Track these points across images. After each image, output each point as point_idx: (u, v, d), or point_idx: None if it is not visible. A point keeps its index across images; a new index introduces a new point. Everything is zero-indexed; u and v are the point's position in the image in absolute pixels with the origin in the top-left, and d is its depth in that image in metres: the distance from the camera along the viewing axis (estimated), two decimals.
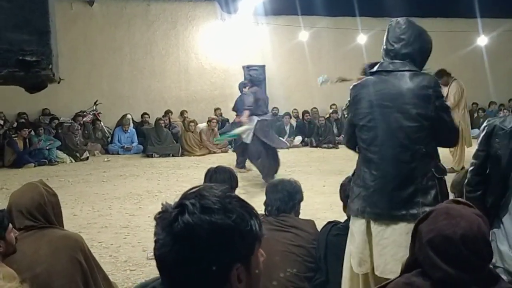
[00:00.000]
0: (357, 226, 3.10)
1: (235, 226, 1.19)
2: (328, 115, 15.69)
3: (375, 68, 3.13)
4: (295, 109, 16.00)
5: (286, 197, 3.67)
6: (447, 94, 9.53)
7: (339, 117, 15.60)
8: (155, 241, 1.27)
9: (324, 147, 14.22)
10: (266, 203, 3.71)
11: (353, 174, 3.18)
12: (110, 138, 13.92)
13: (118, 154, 13.34)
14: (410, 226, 2.80)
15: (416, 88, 2.99)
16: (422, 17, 16.48)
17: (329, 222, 3.53)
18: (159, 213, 1.28)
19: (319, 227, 3.65)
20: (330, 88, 16.48)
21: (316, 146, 14.48)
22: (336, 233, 3.36)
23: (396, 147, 2.99)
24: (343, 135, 2.77)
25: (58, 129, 12.98)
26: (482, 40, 17.18)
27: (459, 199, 2.00)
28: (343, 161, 11.65)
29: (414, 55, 3.11)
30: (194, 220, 1.19)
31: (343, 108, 9.32)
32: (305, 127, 15.20)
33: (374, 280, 3.07)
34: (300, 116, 15.70)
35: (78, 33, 14.36)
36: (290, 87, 16.24)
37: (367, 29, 16.26)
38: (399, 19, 3.21)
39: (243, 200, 1.29)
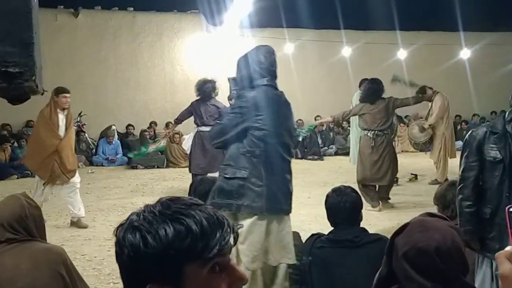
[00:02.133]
0: (256, 225, 3.44)
1: (145, 249, 1.10)
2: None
3: (265, 82, 3.70)
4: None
5: None
6: (431, 108, 9.61)
7: (324, 129, 15.68)
8: None
9: (309, 159, 14.26)
10: None
11: (246, 176, 3.47)
12: (94, 150, 13.84)
13: (102, 165, 13.26)
14: (289, 217, 3.61)
15: (288, 103, 3.79)
16: (405, 30, 16.73)
17: (313, 235, 3.52)
18: None
19: (303, 238, 3.64)
20: (315, 100, 16.59)
21: (301, 158, 14.51)
22: (320, 245, 3.35)
23: (288, 148, 3.65)
24: (228, 134, 3.12)
25: None
26: (465, 54, 17.41)
27: (433, 212, 2.01)
28: (328, 172, 11.69)
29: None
30: (118, 237, 1.17)
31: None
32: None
33: (262, 271, 3.53)
34: None
35: (63, 44, 14.30)
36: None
37: (351, 42, 16.40)
38: (267, 46, 3.99)
39: (202, 218, 1.14)
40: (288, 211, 3.56)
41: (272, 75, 3.76)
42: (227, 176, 3.53)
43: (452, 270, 1.76)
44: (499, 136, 3.16)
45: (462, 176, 3.34)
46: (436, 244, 1.76)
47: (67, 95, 6.90)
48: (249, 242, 3.41)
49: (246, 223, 3.42)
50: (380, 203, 7.61)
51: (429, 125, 9.36)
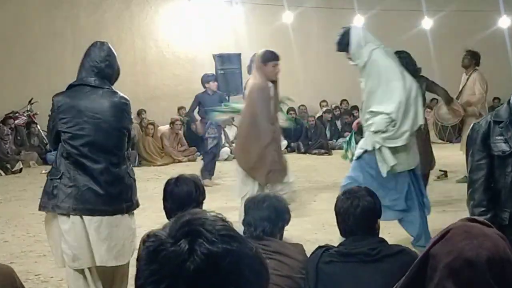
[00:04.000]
0: (70, 224, 4.24)
1: (256, 256, 1.20)
2: (321, 114, 15.77)
3: (89, 82, 4.44)
4: None
5: (274, 216, 3.66)
6: (465, 85, 9.73)
7: (331, 117, 15.70)
8: (153, 282, 1.23)
9: (315, 153, 14.27)
10: (247, 223, 3.67)
11: (60, 177, 4.27)
12: (48, 145, 13.79)
13: None
14: (119, 219, 4.34)
15: (118, 104, 4.43)
16: None
17: (320, 247, 3.53)
18: (154, 246, 1.25)
19: (309, 251, 3.64)
20: (319, 80, 16.58)
21: (304, 152, 14.52)
22: (329, 259, 3.35)
23: (107, 152, 4.28)
24: (50, 138, 4.36)
25: None
26: (504, 22, 17.39)
27: (475, 217, 1.98)
28: (338, 170, 11.66)
29: (112, 75, 4.59)
30: (216, 250, 1.18)
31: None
32: (291, 128, 15.23)
33: (93, 271, 4.36)
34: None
35: (9, 15, 14.21)
36: None
37: (364, 9, 16.37)
38: (103, 42, 4.74)
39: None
40: (105, 212, 4.27)
41: (101, 75, 4.48)
42: (48, 177, 4.42)
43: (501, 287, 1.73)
44: (505, 125, 3.18)
45: (470, 179, 3.42)
46: (487, 253, 1.71)
47: (277, 62, 6.39)
48: (67, 241, 4.26)
49: (64, 222, 4.27)
50: None
51: (474, 105, 9.49)
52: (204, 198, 4.06)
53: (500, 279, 1.73)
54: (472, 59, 9.88)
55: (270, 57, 6.37)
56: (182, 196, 3.86)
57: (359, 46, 5.76)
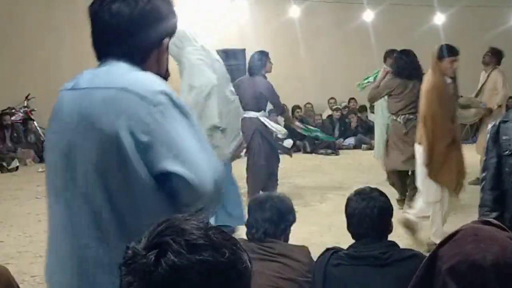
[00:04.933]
0: None
1: (230, 264, 1.22)
2: (330, 113, 15.74)
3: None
4: (283, 104, 15.99)
5: (276, 217, 3.66)
6: (485, 83, 9.73)
7: (339, 116, 15.66)
8: None
9: (321, 153, 14.24)
10: (249, 225, 3.69)
11: None
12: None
13: None
14: None
15: None
16: None
17: (328, 249, 3.53)
18: (128, 257, 1.29)
19: (314, 254, 3.64)
20: (327, 77, 16.55)
21: (311, 152, 14.49)
22: (337, 262, 3.35)
23: None
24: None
25: None
26: None
27: (489, 219, 1.97)
28: (345, 171, 11.68)
29: None
30: (181, 262, 1.21)
31: None
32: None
33: None
34: (290, 114, 15.72)
35: (4, 8, 14.22)
36: (277, 77, 16.14)
37: (374, 4, 16.35)
38: None
39: (225, 232, 1.32)
40: None
41: None
42: None
43: None
44: (509, 125, 3.25)
45: (480, 178, 3.52)
46: (494, 258, 1.71)
47: (456, 58, 6.28)
48: None
49: None
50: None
51: (498, 106, 9.50)
52: None
53: (507, 284, 1.72)
54: (493, 57, 9.90)
55: (446, 53, 6.24)
56: None
57: (177, 47, 5.92)
